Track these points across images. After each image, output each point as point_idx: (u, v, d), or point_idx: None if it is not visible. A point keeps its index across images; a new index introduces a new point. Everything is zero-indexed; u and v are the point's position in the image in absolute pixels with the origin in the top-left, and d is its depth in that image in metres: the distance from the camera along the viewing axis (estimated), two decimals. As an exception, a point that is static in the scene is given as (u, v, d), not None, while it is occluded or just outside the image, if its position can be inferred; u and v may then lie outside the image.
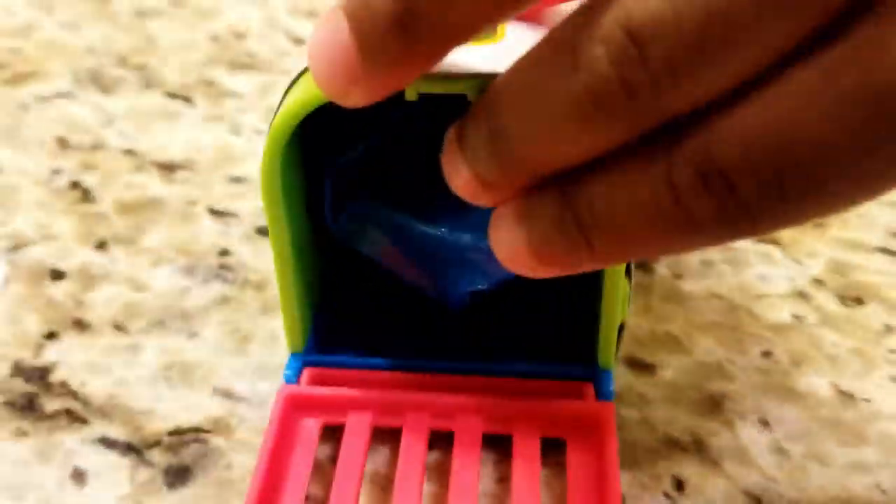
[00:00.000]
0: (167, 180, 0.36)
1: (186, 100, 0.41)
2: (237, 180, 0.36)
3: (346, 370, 0.26)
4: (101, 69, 0.43)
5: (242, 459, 0.25)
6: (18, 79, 0.42)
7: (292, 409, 0.25)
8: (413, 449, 0.24)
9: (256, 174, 0.36)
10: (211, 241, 0.33)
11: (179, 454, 0.26)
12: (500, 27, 0.23)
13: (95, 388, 0.28)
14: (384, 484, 0.24)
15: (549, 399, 0.25)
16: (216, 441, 0.26)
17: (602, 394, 0.25)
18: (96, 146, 0.38)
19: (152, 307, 0.30)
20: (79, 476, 0.25)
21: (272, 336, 0.29)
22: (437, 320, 0.27)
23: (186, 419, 0.27)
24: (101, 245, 0.33)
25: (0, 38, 0.45)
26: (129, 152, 0.37)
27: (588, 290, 0.26)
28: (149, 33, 0.45)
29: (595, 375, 0.25)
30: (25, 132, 0.38)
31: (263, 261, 0.32)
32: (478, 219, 0.23)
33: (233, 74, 0.42)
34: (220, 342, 0.29)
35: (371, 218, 0.26)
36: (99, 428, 0.26)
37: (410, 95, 0.21)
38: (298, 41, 0.45)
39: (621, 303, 0.24)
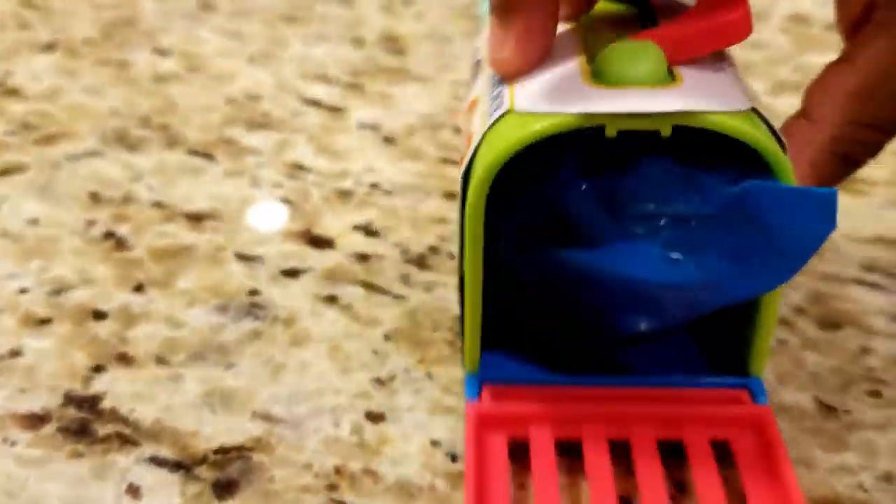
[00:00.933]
0: (196, 229, 0.39)
1: (208, 157, 0.44)
2: (260, 228, 0.39)
3: (518, 386, 0.29)
4: (126, 130, 0.46)
5: (284, 473, 0.28)
6: (49, 139, 0.45)
7: (482, 427, 0.27)
8: (596, 458, 0.27)
9: (277, 223, 0.39)
10: (240, 282, 0.36)
11: (225, 470, 0.28)
12: (677, 72, 0.25)
13: (142, 414, 0.30)
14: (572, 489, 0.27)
15: (713, 405, 0.28)
16: (259, 457, 0.28)
17: (757, 399, 0.28)
18: (127, 199, 0.40)
19: (190, 342, 0.33)
20: (134, 491, 0.27)
21: (303, 365, 0.32)
22: (593, 339, 0.30)
23: (230, 439, 0.29)
24: (139, 288, 0.35)
25: (29, 102, 0.48)
26: (158, 204, 0.40)
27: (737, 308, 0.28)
28: (168, 97, 0.49)
29: (748, 383, 0.29)
30: (59, 188, 0.41)
31: (290, 299, 0.35)
32: (653, 259, 0.25)
33: (250, 133, 0.45)
34: (256, 371, 0.32)
35: (549, 263, 0.27)
36: (149, 449, 0.29)
37: (611, 132, 0.24)
38: (309, 102, 0.48)
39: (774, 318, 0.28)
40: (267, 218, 0.40)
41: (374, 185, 0.42)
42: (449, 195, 0.41)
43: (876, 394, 0.31)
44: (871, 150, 0.27)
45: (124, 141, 0.45)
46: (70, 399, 0.31)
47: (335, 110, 0.48)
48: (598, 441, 0.27)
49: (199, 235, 0.38)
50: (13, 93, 0.49)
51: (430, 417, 0.30)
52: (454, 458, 0.28)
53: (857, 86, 0.27)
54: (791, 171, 0.24)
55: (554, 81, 0.25)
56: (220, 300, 0.35)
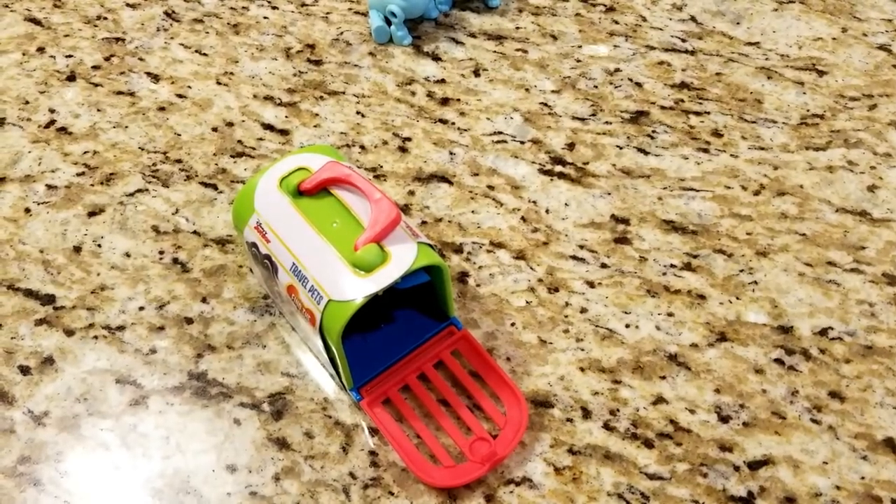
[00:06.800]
0: (223, 251, 0.68)
1: (215, 188, 0.72)
2: (259, 245, 0.68)
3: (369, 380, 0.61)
4: (156, 166, 0.73)
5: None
6: (109, 180, 0.72)
7: (371, 406, 0.60)
8: (417, 389, 0.61)
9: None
10: (258, 290, 0.66)
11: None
12: (386, 249, 0.56)
13: (230, 378, 0.62)
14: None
15: (442, 338, 0.62)
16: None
17: (458, 326, 0.62)
18: (176, 231, 0.69)
19: (241, 333, 0.64)
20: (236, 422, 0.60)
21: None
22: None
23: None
24: (204, 300, 0.66)
25: (79, 142, 0.74)
26: (196, 233, 0.69)
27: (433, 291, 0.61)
28: (172, 128, 0.75)
29: (451, 321, 0.62)
30: (132, 225, 0.70)
31: (287, 298, 0.65)
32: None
33: (236, 162, 0.73)
34: (277, 348, 0.63)
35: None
36: (238, 398, 0.61)
37: (379, 294, 0.56)
38: (266, 126, 0.75)
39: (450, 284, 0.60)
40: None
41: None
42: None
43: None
44: None
45: (158, 177, 0.72)
46: (190, 375, 0.62)
47: (284, 133, 0.75)
48: (413, 380, 0.61)
49: (227, 256, 0.68)
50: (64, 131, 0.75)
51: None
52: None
53: None
54: (447, 270, 0.58)
55: (341, 279, 0.54)
56: (250, 302, 0.65)
